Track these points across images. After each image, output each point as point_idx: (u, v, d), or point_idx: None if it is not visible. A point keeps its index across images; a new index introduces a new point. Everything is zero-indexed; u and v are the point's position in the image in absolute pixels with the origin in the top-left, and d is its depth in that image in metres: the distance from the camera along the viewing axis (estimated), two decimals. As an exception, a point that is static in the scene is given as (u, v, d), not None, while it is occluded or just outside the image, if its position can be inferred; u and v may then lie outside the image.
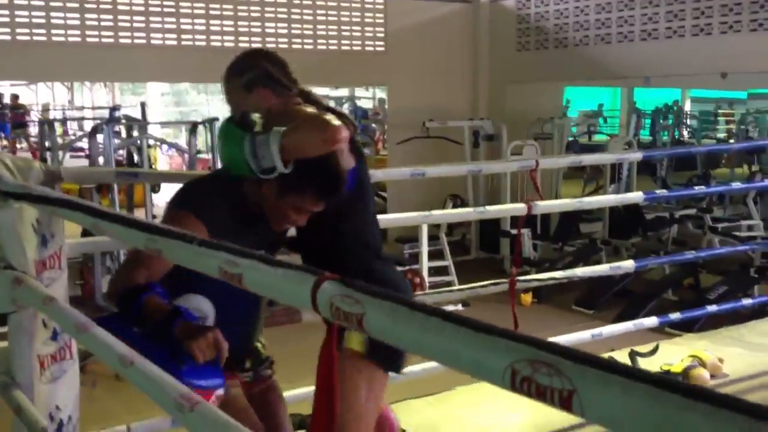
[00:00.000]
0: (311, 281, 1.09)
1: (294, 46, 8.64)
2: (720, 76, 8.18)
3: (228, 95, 2.27)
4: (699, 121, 16.98)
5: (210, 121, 8.97)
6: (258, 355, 2.42)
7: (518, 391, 0.77)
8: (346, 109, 15.42)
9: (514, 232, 7.61)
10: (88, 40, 7.55)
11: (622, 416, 0.67)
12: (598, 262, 7.81)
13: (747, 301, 4.99)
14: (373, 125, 13.35)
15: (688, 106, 18.26)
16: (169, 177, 8.02)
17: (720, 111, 17.98)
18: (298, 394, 3.21)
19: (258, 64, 2.23)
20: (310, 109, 2.17)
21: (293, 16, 8.63)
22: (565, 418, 3.52)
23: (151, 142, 10.28)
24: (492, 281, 3.94)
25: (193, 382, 1.75)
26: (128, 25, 7.68)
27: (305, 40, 8.73)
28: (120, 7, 7.67)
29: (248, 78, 2.21)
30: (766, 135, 12.72)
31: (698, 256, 5.56)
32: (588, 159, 6.37)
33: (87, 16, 7.52)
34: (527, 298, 7.16)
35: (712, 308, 4.78)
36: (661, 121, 14.95)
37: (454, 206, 8.93)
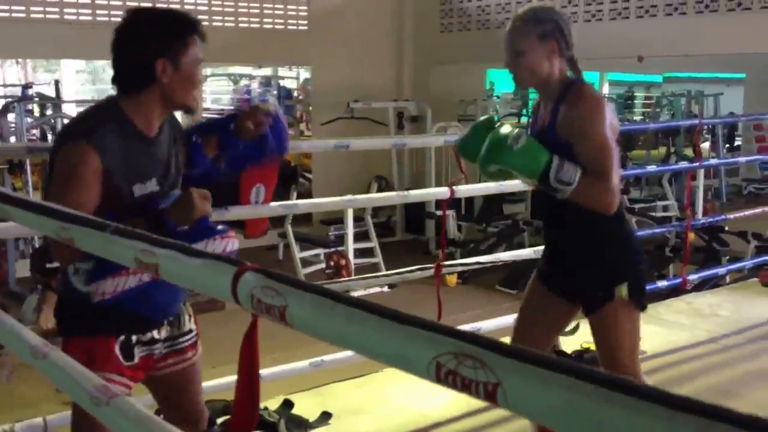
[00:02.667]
0: (231, 272, 1.06)
1: (215, 23, 8.46)
2: (637, 59, 8.38)
3: (514, 42, 2.37)
4: (616, 103, 17.39)
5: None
6: (180, 322, 2.23)
7: (444, 384, 0.76)
8: (265, 89, 15.25)
9: (439, 213, 7.67)
10: (-2, 14, 7.24)
11: (544, 407, 0.67)
12: (521, 243, 7.95)
13: (663, 283, 5.15)
14: (297, 106, 13.21)
15: (606, 89, 18.69)
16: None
17: (636, 94, 18.44)
18: (223, 382, 3.17)
19: (554, 19, 2.37)
20: (600, 110, 2.30)
21: (214, -7, 8.45)
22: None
23: (66, 121, 9.95)
24: (418, 266, 3.95)
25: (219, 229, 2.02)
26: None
27: (226, 18, 8.56)
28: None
29: (546, 28, 2.35)
30: (680, 117, 13.11)
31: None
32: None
33: (-4, -11, 7.21)
34: (452, 279, 7.25)
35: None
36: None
37: (380, 188, 8.94)
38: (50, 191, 1.96)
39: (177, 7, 8.17)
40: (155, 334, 2.14)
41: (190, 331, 2.26)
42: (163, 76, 1.99)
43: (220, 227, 2.05)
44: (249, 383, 1.18)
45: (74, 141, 1.95)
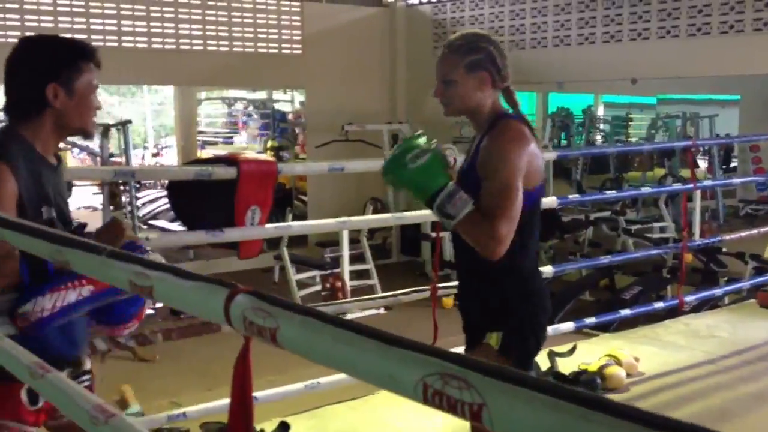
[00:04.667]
0: (224, 294, 1.07)
1: (209, 47, 8.52)
2: (630, 81, 8.45)
3: (443, 69, 2.29)
4: (611, 125, 17.48)
5: (123, 124, 8.74)
6: (81, 361, 2.16)
7: (430, 404, 0.77)
8: (254, 113, 15.29)
9: (434, 235, 7.68)
10: (-6, 40, 7.28)
11: (528, 428, 0.68)
12: (517, 264, 7.94)
13: (660, 304, 5.15)
14: (296, 129, 13.27)
15: (601, 111, 18.79)
16: (80, 173, 7.84)
17: (631, 116, 18.55)
18: (218, 404, 3.17)
19: (486, 48, 2.24)
20: (514, 149, 2.16)
21: (208, 18, 8.51)
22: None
23: (62, 145, 9.97)
24: (413, 288, 3.97)
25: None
26: (36, 25, 7.43)
27: (221, 42, 8.61)
28: (27, 6, 7.42)
29: (474, 59, 2.23)
30: (675, 139, 13.19)
31: (613, 260, 5.74)
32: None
33: (-8, 14, 7.25)
34: (448, 301, 7.22)
35: (626, 312, 4.90)
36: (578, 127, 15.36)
37: (375, 210, 8.95)
38: None
39: (171, 32, 8.24)
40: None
41: (89, 371, 2.20)
42: (56, 101, 1.99)
43: (144, 247, 2.06)
44: (243, 405, 1.19)
45: None
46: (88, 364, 2.21)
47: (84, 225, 2.18)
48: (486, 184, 2.14)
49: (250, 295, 1.04)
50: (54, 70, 2.01)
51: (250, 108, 15.86)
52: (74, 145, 10.81)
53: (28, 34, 7.57)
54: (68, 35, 7.39)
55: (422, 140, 2.25)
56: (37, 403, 2.02)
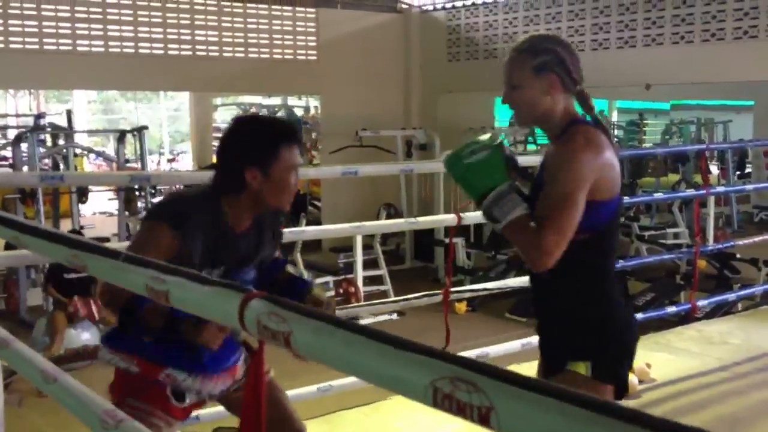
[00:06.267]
0: (238, 299, 1.09)
1: (225, 54, 8.57)
2: (644, 87, 8.43)
3: (509, 73, 2.13)
4: (625, 131, 17.44)
5: (139, 130, 8.80)
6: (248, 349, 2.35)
7: (440, 408, 0.78)
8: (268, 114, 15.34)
9: (447, 241, 7.69)
10: (12, 46, 7.36)
11: (535, 431, 0.69)
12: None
13: (672, 309, 5.13)
14: (312, 134, 13.31)
15: (615, 117, 18.75)
16: (96, 178, 7.91)
17: (645, 121, 18.52)
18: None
19: (554, 50, 2.09)
20: (581, 156, 1.97)
21: (224, 24, 8.56)
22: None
23: (78, 151, 10.05)
24: (426, 293, 3.97)
25: (218, 368, 2.18)
26: (53, 31, 7.52)
27: (236, 48, 8.67)
28: (45, 13, 7.50)
29: (542, 60, 2.07)
30: (688, 143, 13.15)
31: (625, 265, 5.72)
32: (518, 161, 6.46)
33: (11, 21, 7.33)
34: (461, 306, 7.24)
35: (638, 316, 4.89)
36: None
37: (388, 216, 8.97)
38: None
39: (188, 38, 8.30)
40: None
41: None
42: (253, 183, 2.11)
43: (232, 360, 2.25)
44: (256, 405, 1.21)
45: (160, 221, 2.08)
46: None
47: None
48: (545, 190, 2.00)
49: (264, 300, 1.06)
50: (252, 154, 2.11)
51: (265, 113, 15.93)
52: (90, 150, 10.91)
53: (65, 47, 7.69)
54: (69, 41, 7.52)
55: (491, 137, 2.12)
56: (184, 401, 2.17)
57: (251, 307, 1.06)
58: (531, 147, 14.12)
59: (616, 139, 16.48)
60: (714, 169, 14.40)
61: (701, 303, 4.99)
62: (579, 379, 2.04)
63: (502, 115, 14.27)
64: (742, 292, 5.93)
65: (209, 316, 1.21)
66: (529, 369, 2.18)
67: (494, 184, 1.97)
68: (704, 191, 5.46)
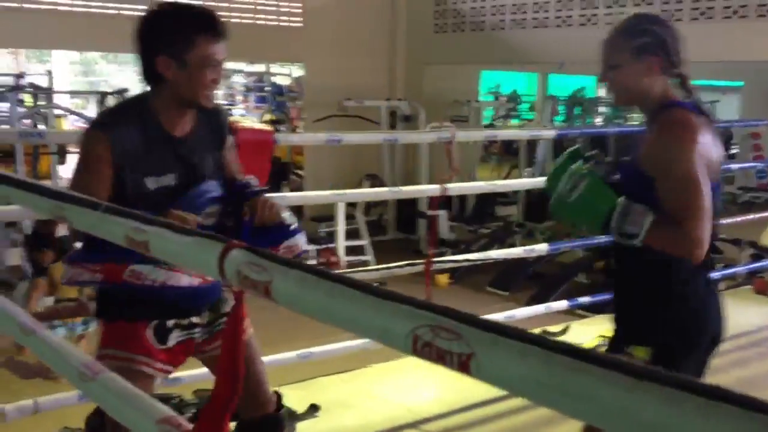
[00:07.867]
0: (218, 248, 1.08)
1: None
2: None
3: (607, 52, 2.13)
4: (612, 109, 17.43)
5: (120, 92, 8.70)
6: (219, 307, 2.25)
7: (419, 355, 0.78)
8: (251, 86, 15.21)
9: (430, 213, 7.70)
10: (-8, 3, 7.22)
11: (515, 378, 0.69)
12: (513, 245, 7.98)
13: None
14: (288, 103, 13.20)
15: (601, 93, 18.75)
16: (76, 136, 7.80)
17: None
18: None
19: (655, 31, 2.07)
20: (684, 139, 1.96)
21: (209, -12, 8.44)
22: (474, 395, 3.61)
23: (58, 112, 9.93)
24: (408, 261, 3.98)
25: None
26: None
27: (219, 13, 8.53)
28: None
29: (642, 42, 2.06)
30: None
31: (610, 240, 5.74)
32: (503, 134, 6.48)
33: (-9, -22, 7.20)
34: (443, 279, 7.25)
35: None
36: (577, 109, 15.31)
37: (371, 186, 8.95)
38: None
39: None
40: (195, 319, 2.19)
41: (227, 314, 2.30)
42: (167, 73, 2.02)
43: (293, 228, 2.22)
44: (233, 355, 1.20)
45: (93, 129, 2.08)
46: (227, 307, 2.26)
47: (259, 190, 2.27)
48: (663, 185, 1.95)
49: (244, 250, 1.05)
50: (165, 42, 2.03)
51: (250, 80, 15.81)
52: (70, 111, 10.79)
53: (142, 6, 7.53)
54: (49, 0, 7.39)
55: (572, 164, 2.13)
56: (165, 343, 2.11)
57: (231, 257, 1.06)
58: (515, 121, 14.11)
59: (602, 116, 16.52)
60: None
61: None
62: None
63: (485, 87, 14.28)
64: (725, 271, 5.98)
65: (190, 265, 1.20)
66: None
67: (611, 205, 1.96)
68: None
